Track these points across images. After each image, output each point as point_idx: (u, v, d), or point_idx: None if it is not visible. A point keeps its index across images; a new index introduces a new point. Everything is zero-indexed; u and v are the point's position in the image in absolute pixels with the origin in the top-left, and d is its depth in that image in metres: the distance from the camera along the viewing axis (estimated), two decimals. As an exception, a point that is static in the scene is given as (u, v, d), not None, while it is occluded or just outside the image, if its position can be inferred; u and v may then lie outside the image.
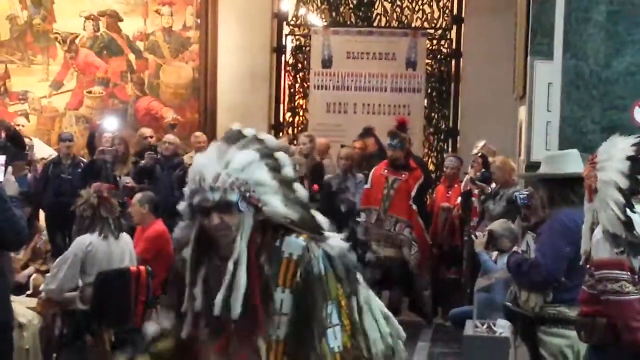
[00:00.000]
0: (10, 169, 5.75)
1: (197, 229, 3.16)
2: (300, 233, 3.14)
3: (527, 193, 6.00)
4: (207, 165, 3.11)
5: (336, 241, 3.21)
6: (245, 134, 3.18)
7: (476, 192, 9.44)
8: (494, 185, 9.26)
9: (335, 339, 3.09)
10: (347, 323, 3.14)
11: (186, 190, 3.16)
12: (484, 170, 9.59)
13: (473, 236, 7.71)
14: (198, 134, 12.01)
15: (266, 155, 3.15)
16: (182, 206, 3.19)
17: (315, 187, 10.05)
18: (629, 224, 4.13)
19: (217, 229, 3.09)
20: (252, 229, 3.09)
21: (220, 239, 3.12)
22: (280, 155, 3.18)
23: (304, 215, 3.17)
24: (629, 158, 4.24)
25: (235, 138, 3.15)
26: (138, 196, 8.59)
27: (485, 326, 6.84)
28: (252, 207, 3.08)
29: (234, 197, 3.06)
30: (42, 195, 10.75)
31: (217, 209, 3.07)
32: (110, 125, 12.10)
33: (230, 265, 3.05)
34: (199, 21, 13.83)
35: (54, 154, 11.75)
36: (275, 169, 3.15)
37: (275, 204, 3.10)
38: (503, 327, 6.50)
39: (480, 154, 9.95)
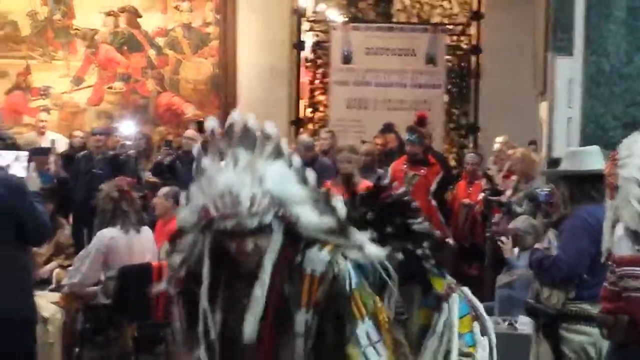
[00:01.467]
0: (32, 164, 5.79)
1: (210, 247, 2.88)
2: (325, 243, 2.85)
3: (548, 190, 6.00)
4: (239, 184, 2.76)
5: (373, 248, 2.94)
6: (253, 131, 2.88)
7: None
8: (508, 193, 9.23)
9: (378, 355, 2.87)
10: (387, 337, 2.92)
11: (201, 203, 2.81)
12: (490, 185, 9.59)
13: (499, 242, 7.67)
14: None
15: (282, 157, 2.87)
16: (186, 218, 2.89)
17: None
18: (650, 221, 4.11)
19: (248, 254, 2.82)
20: (282, 246, 2.83)
21: (245, 262, 2.85)
22: (293, 156, 2.92)
23: (336, 221, 2.88)
24: (651, 154, 4.22)
25: (250, 141, 2.85)
26: (165, 189, 8.60)
27: (507, 322, 6.83)
28: (284, 225, 2.82)
29: (269, 218, 2.79)
30: (74, 190, 10.76)
31: (251, 234, 2.78)
32: (127, 128, 12.11)
33: (257, 291, 2.80)
34: (218, 17, 13.88)
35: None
36: (297, 172, 2.89)
37: (309, 215, 2.84)
38: (524, 324, 6.48)
39: (483, 173, 9.93)
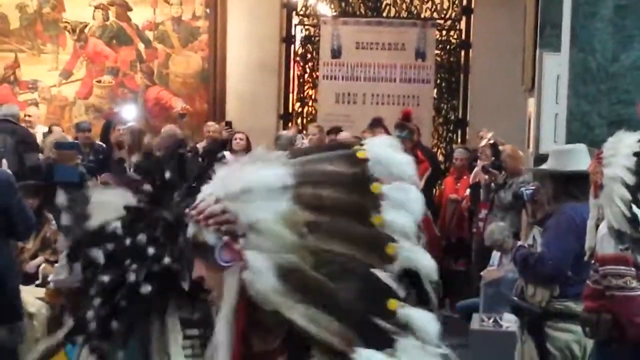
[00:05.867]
0: (4, 162, 5.79)
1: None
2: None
3: (533, 188, 6.01)
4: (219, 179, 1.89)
5: None
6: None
7: (485, 177, 9.40)
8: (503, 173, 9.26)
9: None
10: None
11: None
12: (493, 158, 9.58)
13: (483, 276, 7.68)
14: (210, 123, 11.99)
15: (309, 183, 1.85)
16: None
17: None
18: (634, 221, 4.13)
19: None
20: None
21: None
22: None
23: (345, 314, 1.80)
24: (635, 154, 4.23)
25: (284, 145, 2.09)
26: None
27: (492, 320, 6.86)
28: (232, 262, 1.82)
29: (209, 236, 1.84)
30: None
31: (195, 252, 1.90)
32: (128, 113, 12.06)
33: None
34: (208, 11, 13.83)
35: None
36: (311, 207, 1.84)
37: (267, 277, 1.79)
38: (509, 321, 6.51)
39: (490, 143, 9.91)
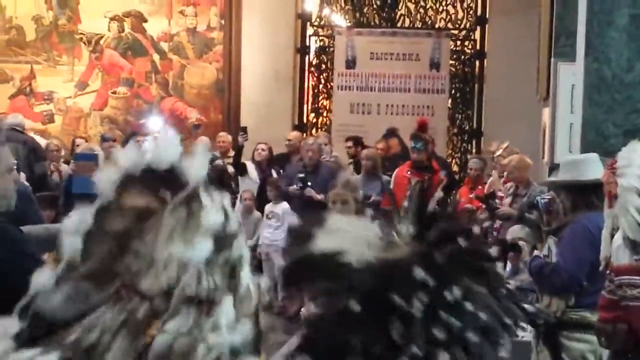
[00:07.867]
0: (22, 174, 5.81)
1: None
2: None
3: (548, 197, 5.99)
4: None
5: None
6: None
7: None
8: (507, 200, 9.17)
9: None
10: None
11: None
12: (490, 201, 9.50)
13: (519, 245, 7.59)
14: (222, 134, 12.04)
15: None
16: None
17: None
18: (649, 231, 4.11)
19: None
20: None
21: None
22: None
23: None
24: (650, 164, 4.21)
25: None
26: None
27: (507, 329, 6.82)
28: None
29: None
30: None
31: None
32: (155, 124, 12.11)
33: None
34: (222, 22, 13.89)
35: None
36: None
37: None
38: (524, 331, 6.48)
39: (482, 196, 9.72)
